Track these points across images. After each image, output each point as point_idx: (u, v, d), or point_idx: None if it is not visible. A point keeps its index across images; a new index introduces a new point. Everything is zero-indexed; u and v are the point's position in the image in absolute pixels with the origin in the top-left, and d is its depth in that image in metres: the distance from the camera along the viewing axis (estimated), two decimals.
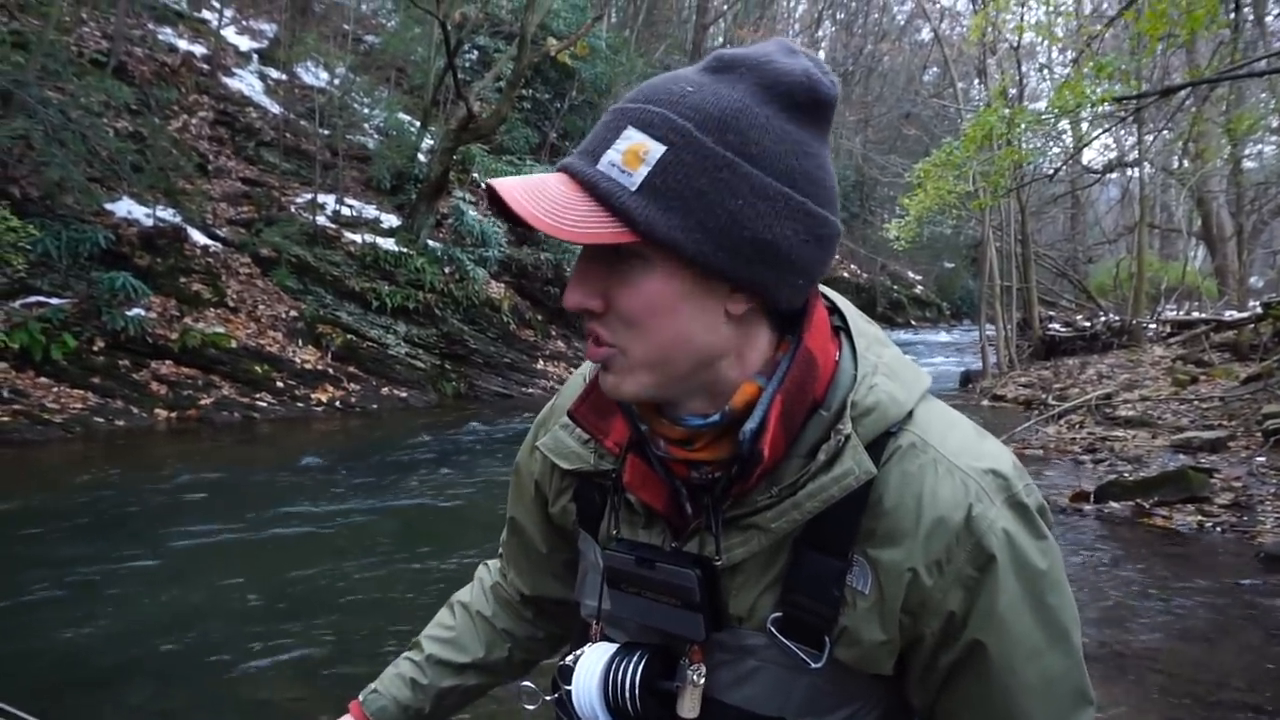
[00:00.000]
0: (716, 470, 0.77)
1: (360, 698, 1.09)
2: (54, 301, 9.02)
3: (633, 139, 0.69)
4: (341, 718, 1.08)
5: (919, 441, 0.76)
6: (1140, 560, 5.19)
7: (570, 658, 0.87)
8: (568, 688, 0.85)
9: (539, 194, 0.68)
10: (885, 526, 0.74)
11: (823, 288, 0.83)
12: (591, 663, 0.83)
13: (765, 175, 0.69)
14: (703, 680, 0.80)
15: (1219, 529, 5.59)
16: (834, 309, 0.84)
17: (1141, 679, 3.59)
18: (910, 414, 0.77)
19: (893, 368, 0.79)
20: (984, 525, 0.73)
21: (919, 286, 34.50)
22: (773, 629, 0.77)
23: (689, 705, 0.80)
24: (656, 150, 0.68)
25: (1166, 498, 6.07)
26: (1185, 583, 4.76)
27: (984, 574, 0.73)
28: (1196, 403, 9.33)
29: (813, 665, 0.75)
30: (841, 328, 0.82)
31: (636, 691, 0.80)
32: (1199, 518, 5.77)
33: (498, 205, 0.70)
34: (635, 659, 0.81)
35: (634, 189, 0.67)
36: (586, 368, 0.95)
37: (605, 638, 0.88)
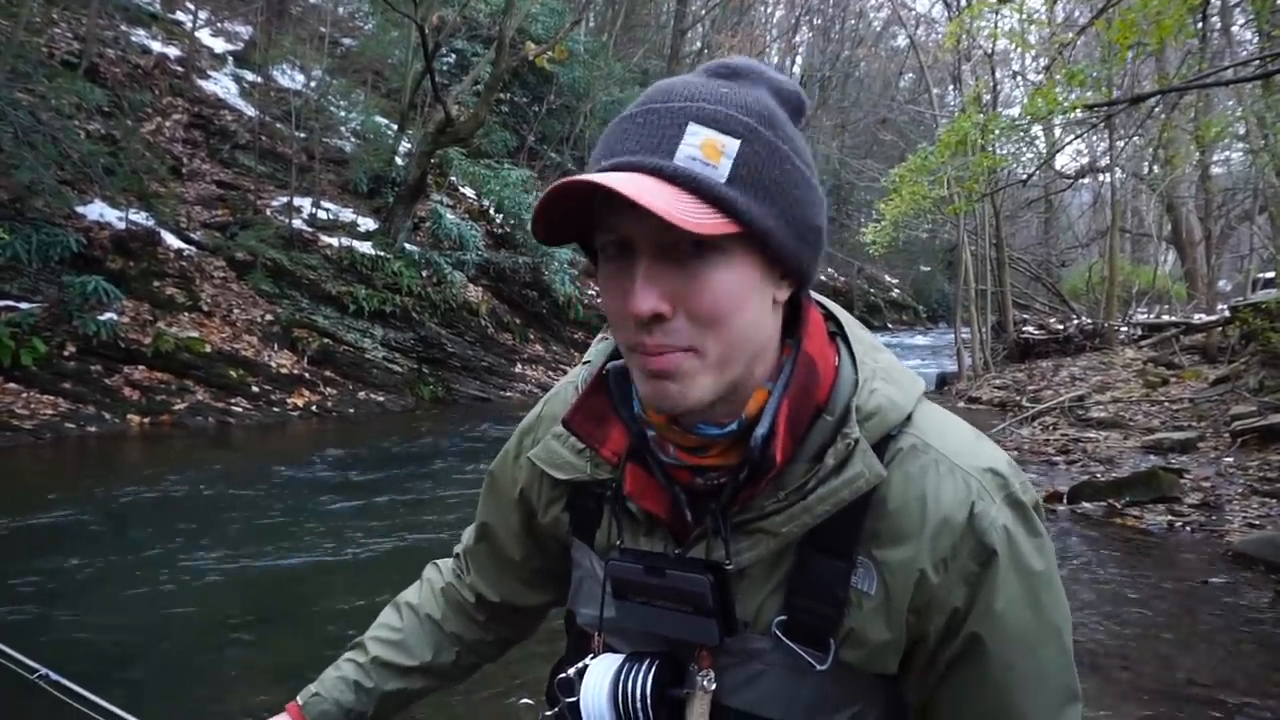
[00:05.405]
0: (723, 475, 0.77)
1: (300, 700, 1.05)
2: (23, 306, 8.87)
3: (702, 134, 0.68)
4: (276, 717, 1.03)
5: (919, 443, 0.77)
6: (1112, 559, 5.27)
7: (573, 670, 0.86)
8: (570, 700, 0.84)
9: (646, 189, 0.64)
10: (890, 527, 0.75)
11: (816, 295, 0.84)
12: (599, 675, 0.82)
13: (805, 168, 0.73)
14: (713, 686, 0.79)
15: (1189, 528, 5.69)
16: (828, 315, 0.85)
17: (1112, 676, 3.65)
18: (909, 416, 0.78)
19: (890, 372, 0.80)
20: (985, 522, 0.74)
21: (895, 290, 34.83)
22: (778, 632, 0.77)
23: (699, 711, 0.79)
24: (733, 144, 0.68)
25: (1138, 498, 6.18)
26: (1156, 581, 4.84)
27: (985, 569, 0.74)
28: (1167, 404, 9.49)
29: (818, 667, 0.76)
30: (837, 333, 0.83)
31: (648, 701, 0.79)
32: (1169, 517, 5.87)
33: (556, 206, 0.68)
34: (644, 668, 0.80)
35: (724, 180, 0.67)
36: (577, 374, 0.93)
37: (608, 648, 0.87)
